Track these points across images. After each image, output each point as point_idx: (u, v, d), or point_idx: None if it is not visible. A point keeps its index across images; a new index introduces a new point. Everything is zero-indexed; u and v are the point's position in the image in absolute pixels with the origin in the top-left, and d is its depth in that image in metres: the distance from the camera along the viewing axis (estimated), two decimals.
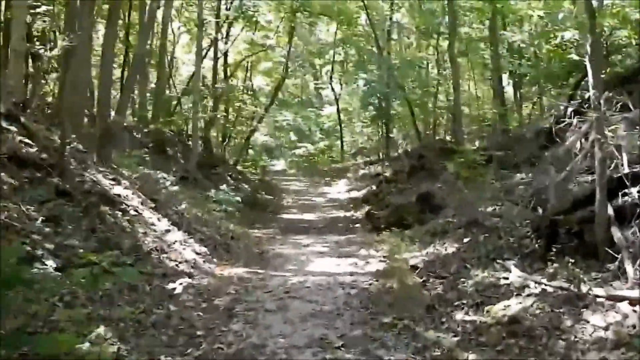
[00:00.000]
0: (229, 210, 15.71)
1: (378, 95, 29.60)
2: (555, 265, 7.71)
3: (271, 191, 24.62)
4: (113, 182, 11.33)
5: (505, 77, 24.77)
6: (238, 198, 16.17)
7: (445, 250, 10.80)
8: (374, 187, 23.16)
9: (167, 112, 23.05)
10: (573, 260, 7.42)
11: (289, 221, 17.96)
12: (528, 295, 7.29)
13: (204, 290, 8.81)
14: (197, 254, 10.65)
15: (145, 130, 20.99)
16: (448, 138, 26.70)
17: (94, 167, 11.48)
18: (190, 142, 23.45)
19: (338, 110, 37.74)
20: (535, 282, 7.49)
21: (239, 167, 30.16)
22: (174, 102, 25.56)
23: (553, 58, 20.75)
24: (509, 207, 11.97)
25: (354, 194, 23.94)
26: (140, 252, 9.18)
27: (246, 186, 22.83)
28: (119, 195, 10.74)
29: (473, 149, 10.50)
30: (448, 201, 14.43)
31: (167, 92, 25.28)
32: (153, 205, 11.61)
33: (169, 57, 27.67)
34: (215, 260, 10.79)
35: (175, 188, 15.65)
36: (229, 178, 22.50)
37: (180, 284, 8.74)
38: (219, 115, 26.30)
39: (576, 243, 8.04)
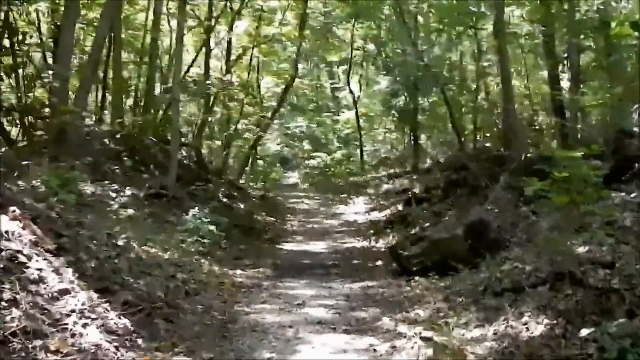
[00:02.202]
0: (205, 242, 11.42)
1: (405, 94, 25.40)
2: None
3: (274, 211, 20.33)
4: None
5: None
6: (213, 227, 11.74)
7: (527, 329, 6.42)
8: (400, 208, 18.79)
9: (149, 117, 18.89)
10: None
11: (289, 255, 13.62)
12: None
13: None
14: (110, 332, 6.35)
15: (118, 135, 16.81)
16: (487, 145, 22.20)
17: None
18: None
19: (357, 115, 33.37)
20: None
21: (241, 181, 25.99)
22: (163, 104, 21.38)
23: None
24: (615, 248, 7.61)
25: (375, 215, 19.57)
26: None
27: (241, 206, 18.54)
28: None
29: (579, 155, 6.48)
30: (510, 234, 10.05)
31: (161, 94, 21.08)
32: (53, 246, 7.34)
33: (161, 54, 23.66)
34: (140, 342, 6.47)
35: (130, 212, 11.42)
36: (221, 195, 18.25)
37: None
38: (212, 119, 22.05)
39: None
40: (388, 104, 27.84)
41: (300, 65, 31.27)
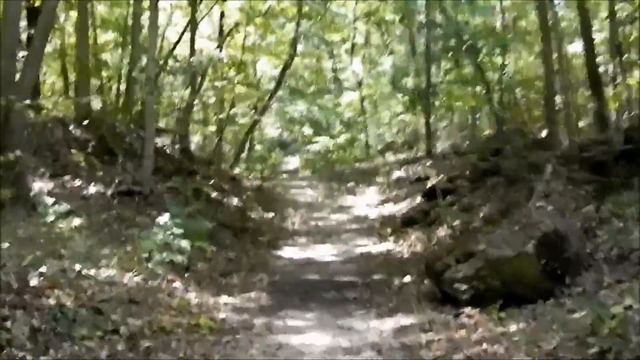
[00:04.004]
0: (179, 260, 8.73)
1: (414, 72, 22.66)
2: None
3: (272, 205, 17.68)
4: None
5: None
6: (185, 242, 8.88)
7: None
8: (418, 200, 16.15)
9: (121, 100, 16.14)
10: None
11: (289, 267, 10.91)
12: None
13: None
14: None
15: (85, 123, 14.10)
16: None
17: None
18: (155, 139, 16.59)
19: (361, 97, 30.54)
20: None
21: (236, 171, 23.29)
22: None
23: None
24: None
25: (390, 208, 16.94)
26: None
27: (234, 201, 15.89)
28: None
29: None
30: (589, 246, 7.40)
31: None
32: None
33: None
34: None
35: (76, 222, 8.77)
36: (208, 190, 15.58)
37: None
38: (204, 102, 19.32)
39: None
40: (397, 84, 25.09)
41: (299, 46, 28.62)
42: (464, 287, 7.06)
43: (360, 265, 10.88)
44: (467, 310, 6.80)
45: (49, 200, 9.60)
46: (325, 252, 12.22)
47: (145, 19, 22.00)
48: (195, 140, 27.06)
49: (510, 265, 7.02)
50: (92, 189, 11.85)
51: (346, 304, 8.22)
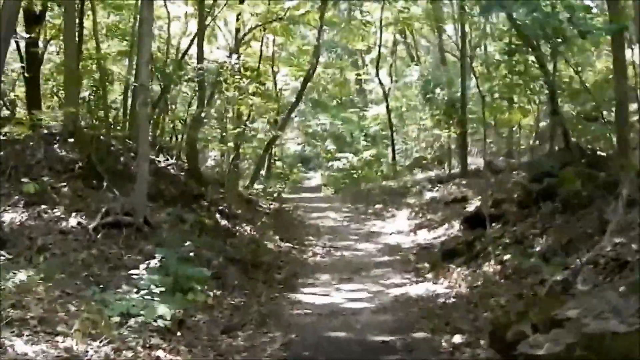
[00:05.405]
0: (160, 324, 6.66)
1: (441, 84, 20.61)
2: None
3: (291, 231, 15.65)
4: None
5: None
6: (164, 308, 6.67)
7: None
8: (458, 227, 14.06)
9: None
10: None
11: (310, 320, 8.63)
12: None
13: None
14: None
15: (71, 139, 12.21)
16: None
17: None
18: (158, 158, 14.66)
19: (388, 110, 28.51)
20: None
21: (253, 189, 21.39)
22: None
23: None
24: None
25: (424, 235, 14.85)
26: None
27: (246, 228, 13.89)
28: None
29: None
30: None
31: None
32: None
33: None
34: None
35: (20, 277, 6.78)
36: (218, 216, 13.61)
37: None
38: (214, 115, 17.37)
39: None
40: (427, 96, 23.10)
41: (321, 58, 26.85)
42: None
43: (397, 315, 8.75)
44: None
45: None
46: (352, 295, 10.10)
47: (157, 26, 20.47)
48: (213, 156, 25.29)
49: (616, 344, 4.90)
50: (73, 220, 9.92)
51: None
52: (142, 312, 6.37)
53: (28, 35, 16.26)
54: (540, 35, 10.43)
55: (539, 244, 10.71)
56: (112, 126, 14.60)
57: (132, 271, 7.29)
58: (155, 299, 6.59)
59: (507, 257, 10.68)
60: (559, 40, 10.87)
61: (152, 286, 6.71)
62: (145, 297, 6.54)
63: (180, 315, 7.19)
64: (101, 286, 7.81)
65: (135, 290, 6.64)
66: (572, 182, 11.37)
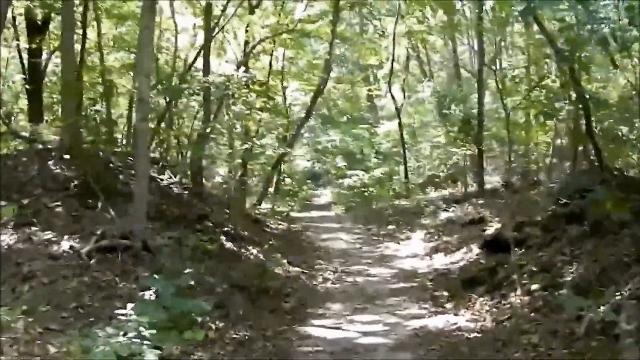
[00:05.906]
0: None
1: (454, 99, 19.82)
2: None
3: (300, 252, 14.85)
4: None
5: None
6: (153, 356, 5.87)
7: None
8: (477, 251, 13.22)
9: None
10: None
11: (319, 358, 7.94)
12: None
13: None
14: None
15: (67, 155, 11.48)
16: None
17: None
18: (159, 176, 13.90)
19: (400, 126, 27.78)
20: None
21: (262, 208, 20.66)
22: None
23: None
24: None
25: (442, 259, 13.99)
26: None
27: (252, 251, 13.10)
28: None
29: None
30: None
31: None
32: None
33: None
34: None
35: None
36: (223, 238, 12.82)
37: None
38: (221, 131, 16.63)
39: None
40: (443, 111, 22.34)
41: (332, 73, 26.16)
42: None
43: (417, 353, 7.91)
44: None
45: None
46: (367, 328, 9.26)
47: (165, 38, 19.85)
48: (219, 172, 24.65)
49: None
50: (65, 243, 9.15)
51: None
52: None
53: (28, 46, 15.73)
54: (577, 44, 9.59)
55: (569, 272, 9.86)
56: (117, 142, 13.86)
57: (118, 311, 6.42)
58: (145, 342, 5.77)
59: (534, 286, 9.86)
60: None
61: (142, 328, 5.89)
62: (134, 340, 5.72)
63: (174, 358, 6.38)
64: (91, 319, 7.09)
65: (122, 333, 5.80)
66: (619, 207, 10.46)
